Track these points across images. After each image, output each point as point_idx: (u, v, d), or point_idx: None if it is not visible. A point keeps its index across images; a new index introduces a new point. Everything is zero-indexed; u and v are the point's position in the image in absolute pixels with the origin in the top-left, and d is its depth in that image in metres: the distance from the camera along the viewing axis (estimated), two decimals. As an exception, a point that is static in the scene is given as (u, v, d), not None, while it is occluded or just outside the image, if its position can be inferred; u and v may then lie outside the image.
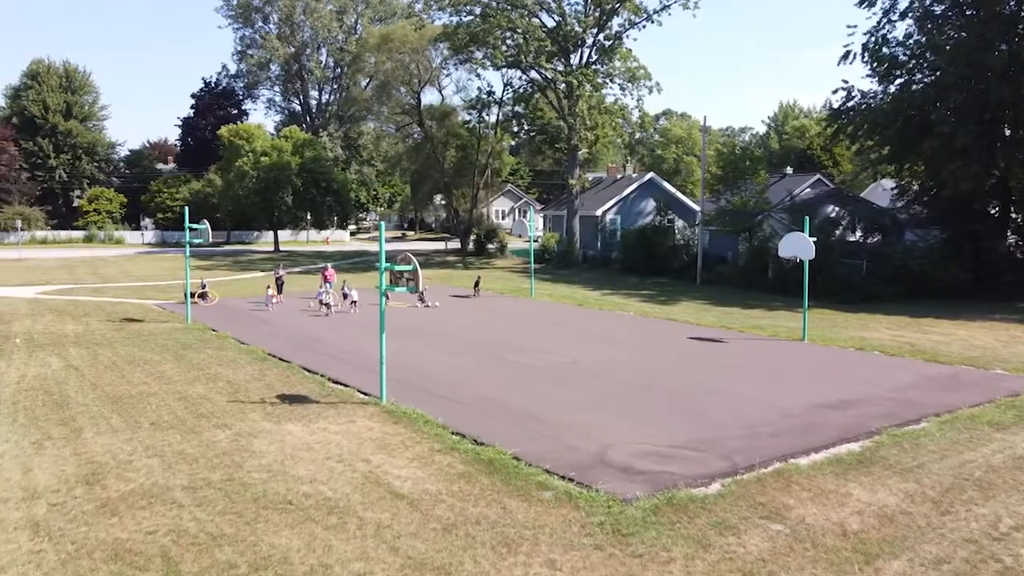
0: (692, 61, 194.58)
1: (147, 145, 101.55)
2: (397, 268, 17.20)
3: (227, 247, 74.75)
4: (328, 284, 35.41)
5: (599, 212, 55.05)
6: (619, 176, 63.11)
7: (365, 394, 18.27)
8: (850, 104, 46.11)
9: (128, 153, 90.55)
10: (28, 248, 67.44)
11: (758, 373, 20.70)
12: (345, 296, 33.37)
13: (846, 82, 47.61)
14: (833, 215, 45.07)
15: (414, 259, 17.17)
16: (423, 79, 60.34)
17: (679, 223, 49.49)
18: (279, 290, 34.76)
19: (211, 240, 28.93)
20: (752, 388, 18.83)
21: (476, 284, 37.68)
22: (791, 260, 25.80)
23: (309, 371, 20.77)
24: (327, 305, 31.67)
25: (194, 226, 29.32)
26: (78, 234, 76.11)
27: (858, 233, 44.92)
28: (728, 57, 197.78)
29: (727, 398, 17.81)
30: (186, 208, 29.09)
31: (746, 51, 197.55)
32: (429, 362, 21.83)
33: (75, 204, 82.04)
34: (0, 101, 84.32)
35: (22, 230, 69.94)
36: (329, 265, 36.99)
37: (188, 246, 29.03)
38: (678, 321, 30.09)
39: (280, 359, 22.35)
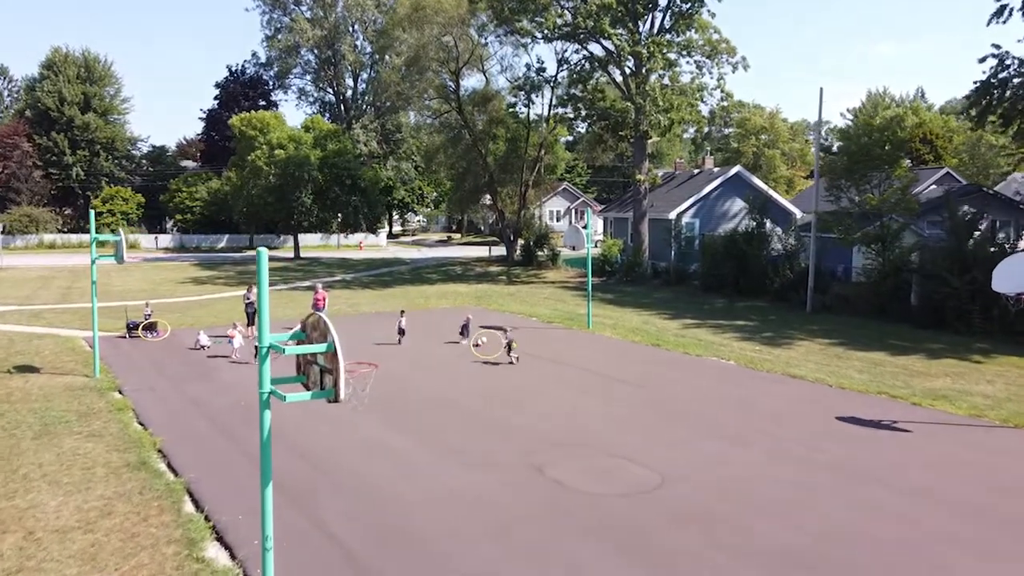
0: (754, 55, 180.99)
1: (183, 142, 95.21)
2: (293, 350, 8.01)
3: (249, 252, 67.02)
4: (319, 312, 26.51)
5: (672, 215, 45.08)
6: (696, 171, 52.90)
7: (253, 589, 9.19)
8: (1002, 75, 35.41)
9: (151, 149, 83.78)
10: (25, 254, 60.70)
11: (1008, 522, 10.85)
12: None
13: (997, 47, 36.68)
14: (968, 217, 34.21)
15: (332, 330, 7.92)
16: (462, 58, 51.22)
17: (777, 229, 39.27)
18: (250, 320, 26.01)
19: (125, 259, 20.32)
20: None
21: (508, 347, 22.42)
22: (1017, 299, 15.74)
23: (194, 501, 11.85)
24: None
25: (102, 237, 20.97)
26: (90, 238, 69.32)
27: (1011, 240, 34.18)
28: (792, 51, 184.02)
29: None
30: (92, 213, 20.60)
31: (811, 44, 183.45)
32: (412, 483, 12.54)
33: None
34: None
35: (6, 233, 63.51)
36: (319, 285, 28.10)
37: (94, 264, 20.41)
38: (807, 380, 20.21)
39: (168, 465, 13.49)
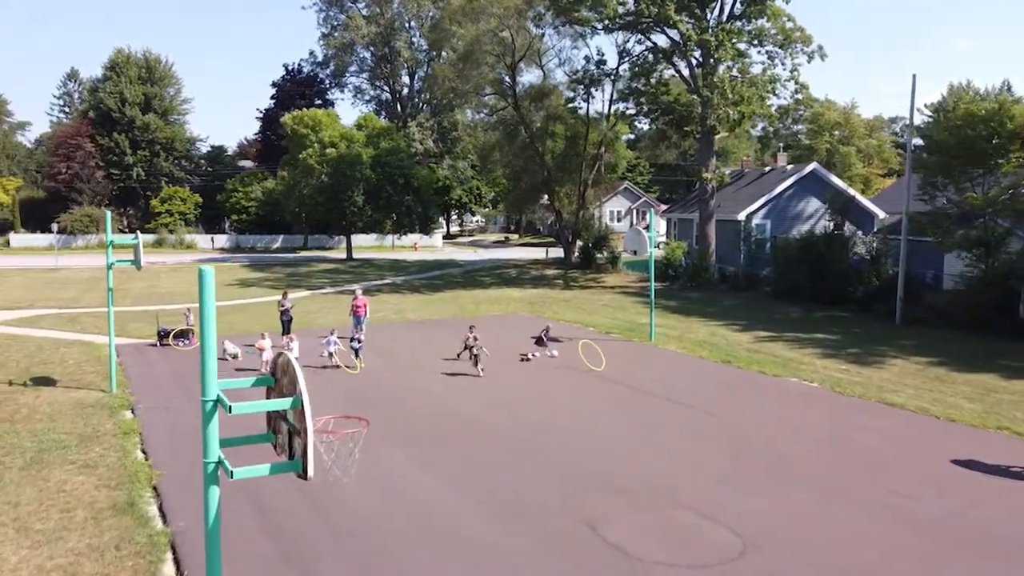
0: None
1: (244, 142, 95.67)
2: (243, 408, 5.89)
3: (303, 253, 66.21)
4: (359, 320, 24.79)
5: (742, 215, 42.01)
6: (767, 169, 49.61)
7: None
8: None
9: (210, 149, 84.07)
10: (84, 254, 60.86)
11: None
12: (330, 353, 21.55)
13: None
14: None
15: (300, 377, 5.75)
16: (519, 52, 48.99)
17: (858, 232, 35.98)
18: (287, 329, 24.31)
19: (143, 264, 18.64)
20: None
21: (474, 357, 20.75)
22: None
23: (176, 562, 10.01)
24: (330, 354, 21.03)
25: (119, 240, 19.46)
26: (148, 237, 69.36)
27: None
28: (865, 45, 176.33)
29: None
30: (107, 214, 19.06)
31: (885, 38, 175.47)
32: (436, 544, 10.34)
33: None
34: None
35: (68, 233, 64.40)
36: (359, 291, 26.25)
37: (110, 269, 18.84)
38: (907, 409, 17.35)
39: (159, 508, 11.71)
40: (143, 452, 14.30)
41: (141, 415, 16.63)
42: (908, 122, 30.06)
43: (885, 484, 12.66)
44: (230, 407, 5.60)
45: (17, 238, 68.21)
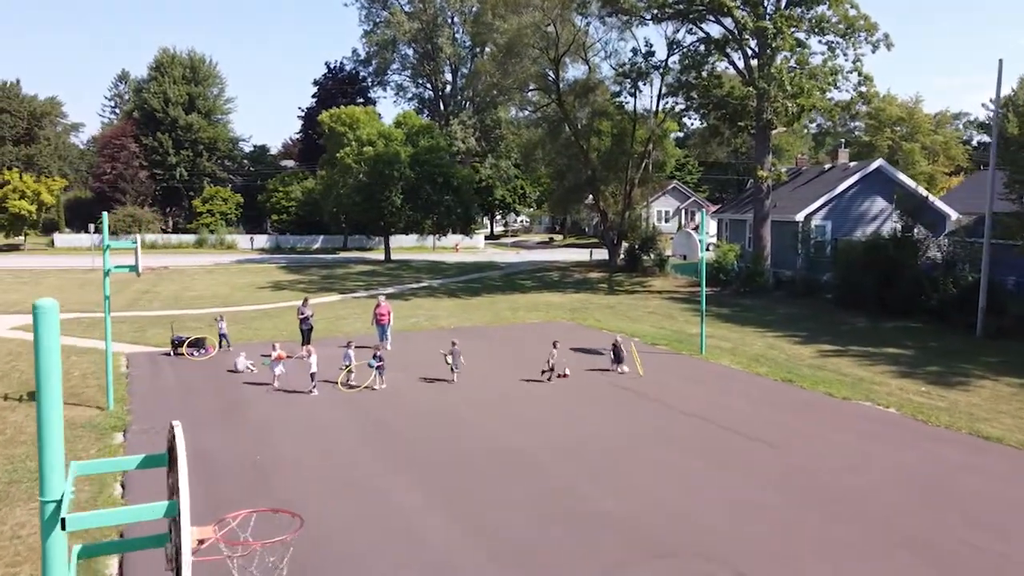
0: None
1: (289, 142, 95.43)
2: (82, 522, 3.96)
3: (342, 254, 65.05)
4: (383, 329, 23.05)
5: (800, 216, 39.19)
6: (827, 166, 46.57)
7: None
8: None
9: (252, 149, 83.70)
10: (124, 255, 60.55)
11: None
12: (373, 366, 19.27)
13: None
14: None
15: (183, 476, 3.79)
16: (563, 46, 46.86)
17: (930, 235, 32.99)
18: (306, 339, 22.64)
19: (141, 269, 17.13)
20: None
21: (451, 364, 19.57)
22: None
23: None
24: (350, 371, 19.20)
25: (116, 244, 18.01)
26: (189, 238, 69.06)
27: None
28: (915, 46, 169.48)
29: None
30: (105, 215, 17.59)
31: (940, 36, 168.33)
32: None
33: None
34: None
35: (94, 232, 64.07)
36: (382, 298, 24.43)
37: (107, 276, 17.37)
38: (1008, 445, 14.82)
39: (118, 568, 9.99)
40: (122, 486, 12.65)
41: (131, 440, 15.04)
42: (995, 112, 27.11)
43: (1002, 550, 10.26)
44: (63, 520, 3.69)
45: (61, 238, 68.50)
